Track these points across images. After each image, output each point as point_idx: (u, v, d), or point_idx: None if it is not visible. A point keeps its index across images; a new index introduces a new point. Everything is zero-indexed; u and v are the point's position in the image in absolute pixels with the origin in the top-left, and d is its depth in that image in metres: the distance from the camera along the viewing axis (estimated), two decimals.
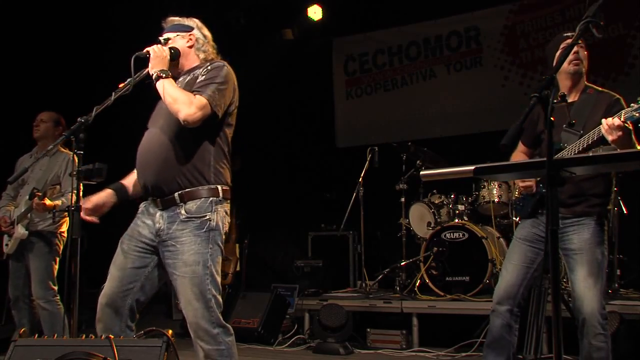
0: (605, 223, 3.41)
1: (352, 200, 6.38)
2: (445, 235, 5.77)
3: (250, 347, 5.68)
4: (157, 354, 2.44)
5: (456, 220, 5.93)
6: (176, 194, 2.90)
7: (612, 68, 6.94)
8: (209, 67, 3.02)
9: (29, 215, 4.73)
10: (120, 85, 2.97)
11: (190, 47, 3.16)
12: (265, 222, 8.21)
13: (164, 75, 2.91)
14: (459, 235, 5.69)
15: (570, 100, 3.40)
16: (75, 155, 2.89)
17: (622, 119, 2.81)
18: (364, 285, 6.45)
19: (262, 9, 8.14)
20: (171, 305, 7.55)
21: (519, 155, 3.62)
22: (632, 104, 2.78)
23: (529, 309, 4.16)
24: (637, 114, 2.73)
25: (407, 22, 8.36)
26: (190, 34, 3.18)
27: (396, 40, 8.57)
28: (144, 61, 2.97)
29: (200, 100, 2.85)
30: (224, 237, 2.99)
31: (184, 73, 3.16)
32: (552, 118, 1.98)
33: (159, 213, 2.96)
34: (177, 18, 3.23)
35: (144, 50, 2.97)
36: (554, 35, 7.44)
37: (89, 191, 3.10)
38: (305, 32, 8.60)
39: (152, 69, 2.94)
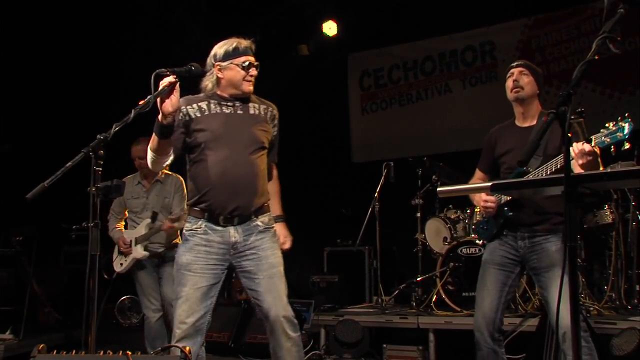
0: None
1: (367, 216, 6.36)
2: (461, 251, 5.75)
3: None
4: None
5: (472, 236, 5.90)
6: (252, 209, 3.28)
7: (630, 82, 6.89)
8: (275, 116, 3.57)
9: (149, 238, 5.00)
10: (140, 103, 2.97)
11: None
12: None
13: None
14: (476, 250, 5.65)
15: (527, 125, 3.54)
16: (97, 172, 2.88)
17: (592, 145, 2.79)
18: (380, 300, 6.42)
19: (278, 25, 8.20)
20: None
21: (476, 182, 3.72)
22: (601, 129, 2.72)
23: (546, 323, 4.13)
24: (607, 139, 2.68)
25: (422, 37, 8.39)
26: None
27: (411, 55, 8.60)
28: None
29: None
30: None
31: (240, 97, 3.38)
32: (569, 134, 1.98)
33: (232, 228, 3.23)
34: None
35: (166, 71, 2.99)
36: (569, 49, 7.50)
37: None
38: (320, 47, 8.66)
39: None
